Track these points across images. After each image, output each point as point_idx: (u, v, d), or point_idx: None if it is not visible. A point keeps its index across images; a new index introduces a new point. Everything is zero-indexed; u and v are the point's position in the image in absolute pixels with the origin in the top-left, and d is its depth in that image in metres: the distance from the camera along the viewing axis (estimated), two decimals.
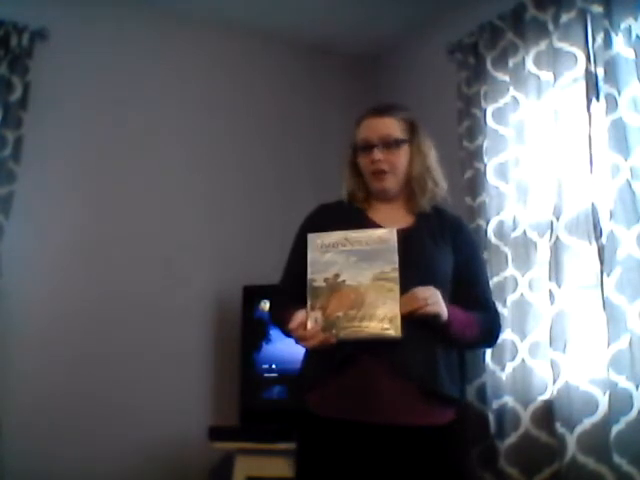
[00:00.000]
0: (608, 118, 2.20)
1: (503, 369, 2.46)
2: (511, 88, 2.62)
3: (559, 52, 2.43)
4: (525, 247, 2.49)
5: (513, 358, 2.44)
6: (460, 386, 1.76)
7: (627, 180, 2.14)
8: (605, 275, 2.15)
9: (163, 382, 2.92)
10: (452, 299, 1.71)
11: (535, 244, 2.47)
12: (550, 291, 2.32)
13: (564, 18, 2.42)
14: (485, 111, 2.72)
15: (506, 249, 2.55)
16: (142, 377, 2.89)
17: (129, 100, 3.07)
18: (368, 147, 1.81)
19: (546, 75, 2.50)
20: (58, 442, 2.67)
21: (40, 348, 2.72)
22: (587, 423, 2.17)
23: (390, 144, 1.80)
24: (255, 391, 2.87)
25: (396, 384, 1.64)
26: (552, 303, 2.31)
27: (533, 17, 2.56)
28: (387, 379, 1.64)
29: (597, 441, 2.13)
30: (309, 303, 1.61)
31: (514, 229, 2.54)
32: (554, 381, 2.26)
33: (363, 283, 1.60)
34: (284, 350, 2.75)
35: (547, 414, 2.31)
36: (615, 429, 2.05)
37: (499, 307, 2.19)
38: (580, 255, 2.29)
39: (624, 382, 2.06)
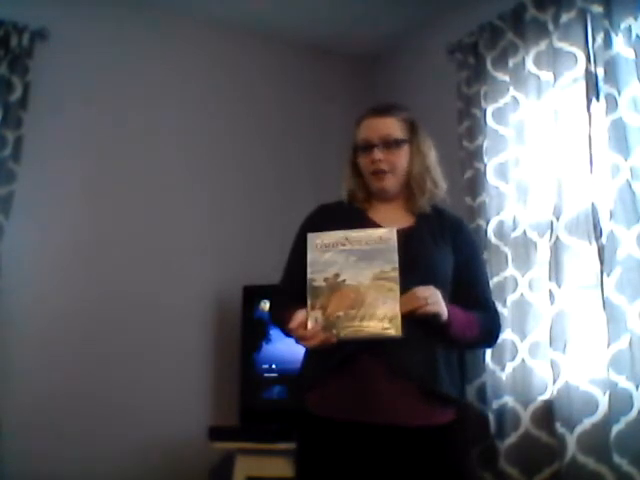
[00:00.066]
0: (608, 118, 2.20)
1: (503, 369, 2.46)
2: (511, 88, 2.62)
3: (559, 52, 2.43)
4: (525, 247, 2.49)
5: (513, 358, 2.44)
6: (460, 386, 1.76)
7: (627, 180, 2.14)
8: (605, 275, 2.15)
9: (163, 382, 2.92)
10: (452, 299, 1.71)
11: (535, 244, 2.47)
12: (550, 291, 2.32)
13: (564, 18, 2.42)
14: (485, 111, 2.72)
15: (506, 249, 2.55)
16: (142, 377, 2.89)
17: (129, 100, 3.07)
18: (368, 147, 1.81)
19: (546, 75, 2.50)
20: (58, 442, 2.68)
21: (40, 348, 2.72)
22: (587, 423, 2.17)
23: (390, 144, 1.80)
24: (255, 391, 2.87)
25: (396, 384, 1.64)
26: (552, 303, 2.31)
27: (533, 17, 2.56)
28: (387, 379, 1.64)
29: (597, 441, 2.13)
30: (309, 303, 1.61)
31: (514, 229, 2.54)
32: (554, 381, 2.26)
33: (363, 283, 1.60)
34: (284, 350, 2.75)
35: (547, 414, 2.31)
36: (615, 429, 2.05)
37: (499, 307, 2.19)
38: (580, 255, 2.29)
39: (624, 382, 2.07)
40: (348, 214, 1.84)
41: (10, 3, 2.75)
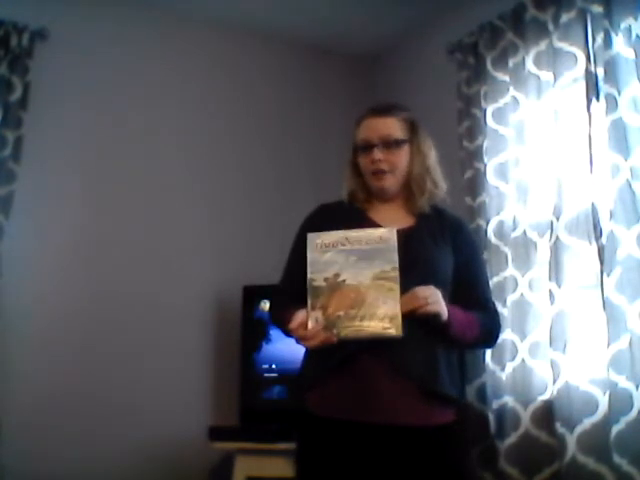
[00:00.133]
0: (608, 118, 2.20)
1: (503, 369, 2.46)
2: (511, 88, 2.62)
3: (559, 52, 2.43)
4: (525, 247, 2.49)
5: (513, 358, 2.44)
6: (460, 386, 1.76)
7: (627, 180, 2.14)
8: (605, 275, 2.15)
9: (163, 382, 2.92)
10: (452, 299, 1.71)
11: (535, 244, 2.47)
12: (550, 291, 2.32)
13: (564, 18, 2.42)
14: (485, 111, 2.72)
15: (506, 249, 2.55)
16: (142, 377, 2.89)
17: (129, 100, 3.07)
18: (368, 147, 1.81)
19: (546, 75, 2.50)
20: (58, 442, 2.68)
21: (40, 348, 2.72)
22: (587, 423, 2.17)
23: (390, 144, 1.80)
24: (255, 391, 2.87)
25: (396, 384, 1.64)
26: (552, 303, 2.31)
27: (533, 17, 2.56)
28: (387, 379, 1.64)
29: (597, 441, 2.13)
30: (309, 303, 1.61)
31: (514, 229, 2.54)
32: (554, 381, 2.26)
33: (363, 282, 1.60)
34: (284, 350, 2.75)
35: (547, 414, 2.31)
36: (615, 429, 2.05)
37: (499, 307, 2.19)
38: (580, 255, 2.29)
39: (624, 382, 2.07)
40: (348, 214, 1.84)
41: (10, 3, 2.75)
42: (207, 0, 3.14)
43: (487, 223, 2.64)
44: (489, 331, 1.81)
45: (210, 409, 3.02)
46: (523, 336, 2.42)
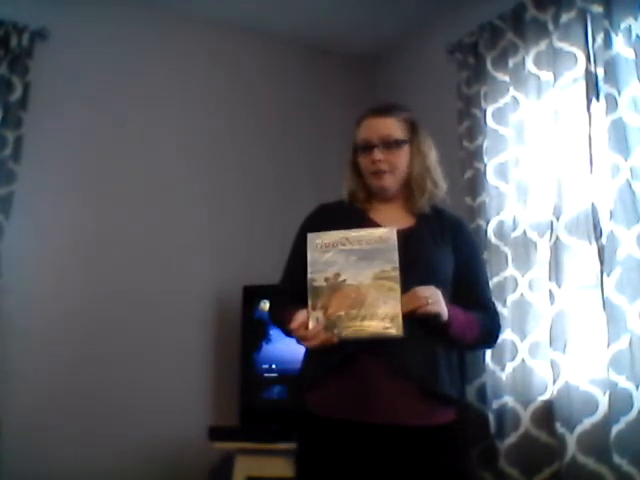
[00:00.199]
0: (608, 118, 2.20)
1: (503, 369, 2.46)
2: (511, 88, 2.62)
3: (559, 52, 2.43)
4: (525, 247, 2.49)
5: (513, 358, 2.44)
6: (460, 386, 1.76)
7: (627, 180, 2.14)
8: (605, 275, 2.15)
9: (163, 382, 2.92)
10: (452, 299, 1.71)
11: (535, 244, 2.47)
12: (550, 291, 2.32)
13: (564, 18, 2.42)
14: (485, 111, 2.72)
15: (506, 249, 2.55)
16: (142, 377, 2.89)
17: (129, 100, 3.07)
18: (368, 147, 1.81)
19: (546, 75, 2.50)
20: (58, 442, 2.68)
21: (40, 348, 2.72)
22: (587, 423, 2.17)
23: (390, 144, 1.80)
24: (255, 391, 2.87)
25: (396, 384, 1.64)
26: (552, 303, 2.31)
27: (533, 17, 2.56)
28: (387, 379, 1.64)
29: (597, 441, 2.13)
30: (310, 303, 1.61)
31: (514, 229, 2.54)
32: (554, 381, 2.26)
33: (364, 282, 1.60)
34: (284, 350, 2.75)
35: (547, 414, 2.31)
36: (615, 429, 2.05)
37: (499, 307, 2.19)
38: (580, 255, 2.29)
39: (624, 382, 2.07)
40: (348, 214, 1.84)
41: (10, 3, 2.75)
42: (207, 0, 3.14)
43: (487, 223, 2.64)
44: (489, 331, 1.81)
45: (210, 409, 3.02)
46: (523, 336, 2.42)
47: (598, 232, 2.22)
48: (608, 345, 2.11)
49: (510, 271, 2.51)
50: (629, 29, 2.22)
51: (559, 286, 2.30)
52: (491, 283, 2.23)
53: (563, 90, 2.42)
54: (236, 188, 3.26)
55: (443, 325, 1.64)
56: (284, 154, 3.40)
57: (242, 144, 3.31)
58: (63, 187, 2.88)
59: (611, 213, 2.17)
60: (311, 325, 1.59)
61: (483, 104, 2.74)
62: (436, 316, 1.62)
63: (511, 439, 2.37)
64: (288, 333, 1.68)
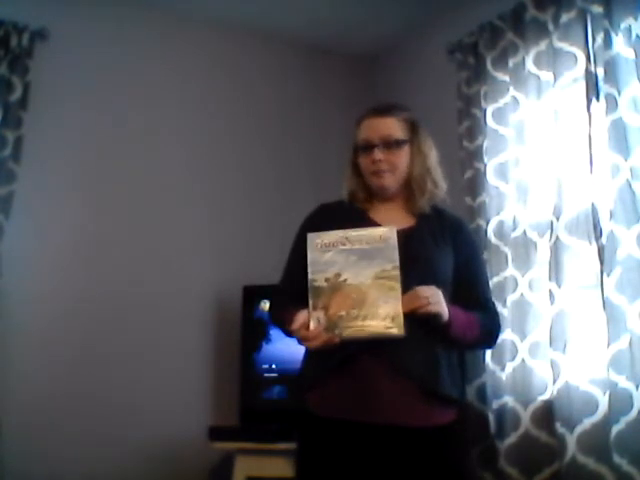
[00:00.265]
0: (608, 118, 2.20)
1: (503, 369, 2.46)
2: (511, 88, 2.62)
3: (559, 52, 2.43)
4: (525, 247, 2.49)
5: (513, 358, 2.44)
6: (460, 386, 1.76)
7: (627, 180, 2.14)
8: (605, 275, 2.15)
9: (163, 382, 2.92)
10: (452, 299, 1.71)
11: (535, 244, 2.47)
12: (550, 291, 2.32)
13: (564, 18, 2.42)
14: (485, 111, 2.72)
15: (506, 249, 2.55)
16: (142, 377, 2.89)
17: (129, 100, 3.07)
18: (369, 147, 1.81)
19: (546, 75, 2.50)
20: (58, 442, 2.68)
21: (40, 348, 2.72)
22: (587, 423, 2.17)
23: (391, 144, 1.80)
24: (255, 391, 2.87)
25: (396, 384, 1.64)
26: (552, 303, 2.31)
27: (533, 17, 2.56)
28: (387, 379, 1.64)
29: (597, 441, 2.13)
30: (311, 303, 1.60)
31: (514, 229, 2.54)
32: (554, 381, 2.26)
33: (364, 282, 1.60)
34: (284, 350, 2.75)
35: (547, 414, 2.31)
36: (615, 429, 2.05)
37: (499, 307, 2.19)
38: (580, 255, 2.29)
39: (624, 382, 2.07)
40: (349, 214, 1.84)
41: (10, 3, 2.75)
42: (207, 0, 3.14)
43: (487, 223, 2.64)
44: (489, 331, 1.81)
45: (210, 409, 3.02)
46: (523, 336, 2.42)
47: (598, 232, 2.22)
48: (608, 345, 2.11)
49: (510, 271, 2.51)
50: (629, 29, 2.22)
51: (559, 286, 2.30)
52: (491, 283, 2.23)
53: (563, 90, 2.42)
54: (236, 188, 3.26)
55: (443, 325, 1.64)
56: (284, 154, 3.40)
57: (242, 144, 3.31)
58: (63, 187, 2.88)
59: (611, 213, 2.17)
60: (312, 326, 1.59)
61: (483, 104, 2.74)
62: (437, 316, 1.62)
63: (511, 439, 2.37)
64: (289, 334, 1.68)
